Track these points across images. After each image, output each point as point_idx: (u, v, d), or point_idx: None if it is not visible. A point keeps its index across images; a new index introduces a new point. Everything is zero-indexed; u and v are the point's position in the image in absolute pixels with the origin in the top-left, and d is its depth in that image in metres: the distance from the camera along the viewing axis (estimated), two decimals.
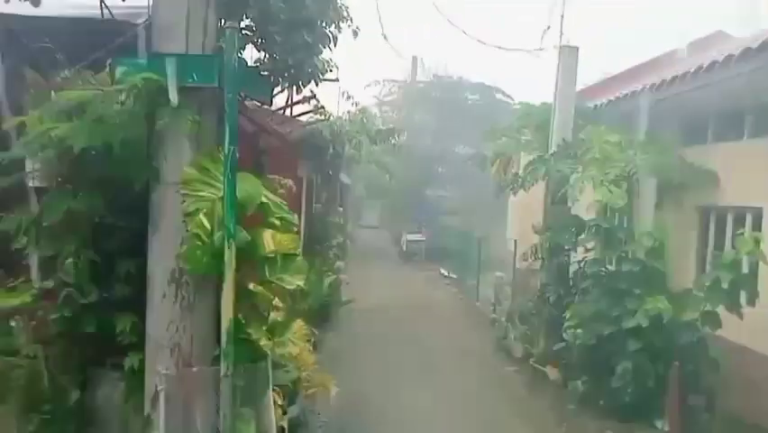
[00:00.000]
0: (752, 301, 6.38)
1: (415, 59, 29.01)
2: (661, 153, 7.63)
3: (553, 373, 8.34)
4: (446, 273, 18.55)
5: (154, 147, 3.77)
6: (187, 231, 3.66)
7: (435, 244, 22.10)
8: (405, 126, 25.28)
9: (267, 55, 5.13)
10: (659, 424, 6.27)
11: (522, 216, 13.09)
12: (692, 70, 7.03)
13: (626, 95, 8.72)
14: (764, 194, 6.76)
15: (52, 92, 3.86)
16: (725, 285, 6.19)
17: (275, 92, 5.83)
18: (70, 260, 3.69)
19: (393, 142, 15.17)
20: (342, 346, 9.42)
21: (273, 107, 7.30)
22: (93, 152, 3.67)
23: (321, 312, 9.64)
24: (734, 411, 6.51)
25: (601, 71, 14.81)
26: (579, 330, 7.24)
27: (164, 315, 3.71)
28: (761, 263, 6.26)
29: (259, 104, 6.10)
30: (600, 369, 7.01)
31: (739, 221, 7.25)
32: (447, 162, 25.82)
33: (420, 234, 23.46)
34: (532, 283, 9.65)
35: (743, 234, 6.30)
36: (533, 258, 9.32)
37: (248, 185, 4.00)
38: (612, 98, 9.19)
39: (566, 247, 8.65)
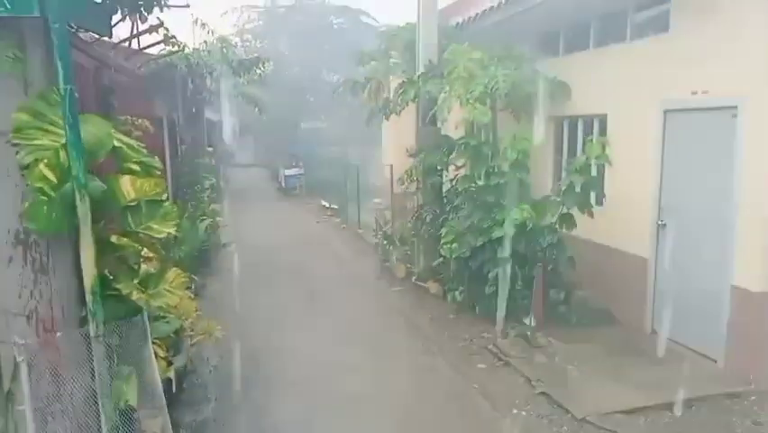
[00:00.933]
0: (600, 201, 7.12)
1: None
2: (518, 68, 8.01)
3: (433, 287, 8.86)
4: (327, 205, 18.61)
5: None
6: (27, 185, 3.24)
7: (314, 177, 21.95)
8: (270, 55, 24.15)
9: None
10: (527, 321, 6.95)
11: (396, 141, 13.30)
12: None
13: (485, 11, 8.91)
14: (608, 101, 7.41)
15: None
16: (577, 189, 6.83)
17: (114, 21, 5.19)
18: None
19: (259, 72, 14.43)
20: (225, 289, 9.21)
21: (116, 40, 6.56)
22: None
23: (199, 258, 9.30)
24: (588, 300, 7.40)
25: None
26: (454, 245, 7.67)
27: (13, 281, 3.32)
28: (607, 166, 6.96)
29: (96, 36, 5.43)
30: (475, 279, 7.56)
31: (588, 128, 7.91)
32: (318, 91, 25.24)
33: (297, 168, 23.09)
34: (409, 206, 9.98)
35: (591, 140, 6.92)
36: (408, 181, 9.58)
37: (95, 128, 3.60)
38: (472, 15, 9.36)
39: (439, 167, 8.96)
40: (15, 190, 3.28)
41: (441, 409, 5.46)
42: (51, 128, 3.33)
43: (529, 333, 6.73)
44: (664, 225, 6.62)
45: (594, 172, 7.18)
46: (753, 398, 5.35)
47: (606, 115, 7.51)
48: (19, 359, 3.19)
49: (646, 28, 6.87)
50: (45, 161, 3.26)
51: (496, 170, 7.62)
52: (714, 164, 5.94)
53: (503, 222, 7.03)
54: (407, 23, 9.99)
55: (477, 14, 9.19)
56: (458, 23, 9.84)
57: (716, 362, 5.90)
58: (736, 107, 5.60)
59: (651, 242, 6.78)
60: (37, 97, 3.35)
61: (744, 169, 5.55)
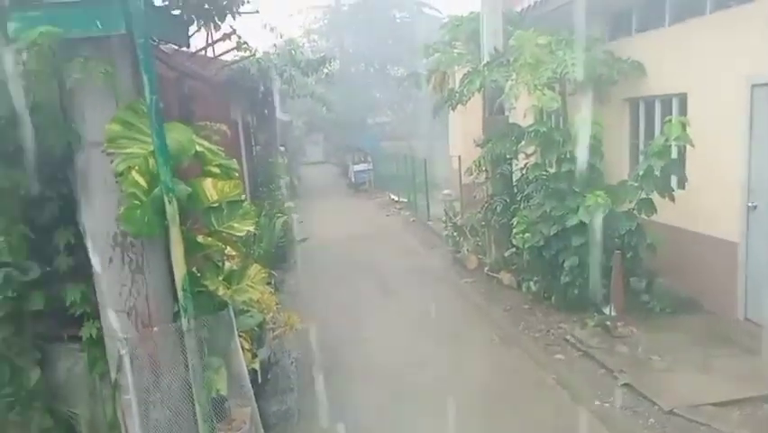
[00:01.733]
0: (682, 185, 6.77)
1: None
2: (588, 50, 7.73)
3: (506, 278, 8.75)
4: (396, 198, 18.75)
5: (69, 107, 3.53)
6: (122, 191, 3.51)
7: (383, 171, 22.16)
8: (336, 53, 24.58)
9: None
10: (606, 310, 6.73)
11: (463, 132, 13.20)
12: None
13: None
14: (688, 79, 7.01)
15: None
16: (657, 172, 6.53)
17: (191, 32, 5.48)
18: (1, 238, 3.49)
19: (326, 71, 14.73)
20: (302, 283, 9.54)
21: (193, 49, 6.91)
22: (3, 122, 3.40)
23: (277, 254, 9.66)
24: (671, 288, 7.06)
25: None
26: (526, 234, 7.54)
27: (114, 280, 3.61)
28: (688, 148, 6.60)
29: (176, 47, 5.75)
30: (550, 268, 7.40)
31: (666, 109, 7.53)
32: (384, 86, 25.45)
33: (366, 163, 23.38)
34: (479, 196, 9.88)
35: (670, 120, 6.58)
36: (477, 172, 9.49)
37: (179, 135, 3.83)
38: (537, 0, 9.12)
39: (507, 156, 8.83)
40: (112, 196, 3.56)
41: (519, 401, 5.42)
42: (140, 137, 3.58)
43: (609, 323, 6.53)
44: (755, 207, 6.20)
45: (674, 154, 6.85)
46: None
47: (685, 94, 7.12)
48: (122, 352, 3.47)
49: None
50: (136, 167, 3.51)
51: (568, 156, 7.41)
52: None
53: (577, 209, 6.84)
54: (471, 13, 9.87)
55: None
56: (522, 9, 9.61)
57: None
58: None
59: (740, 225, 6.37)
60: (126, 108, 3.61)
61: None
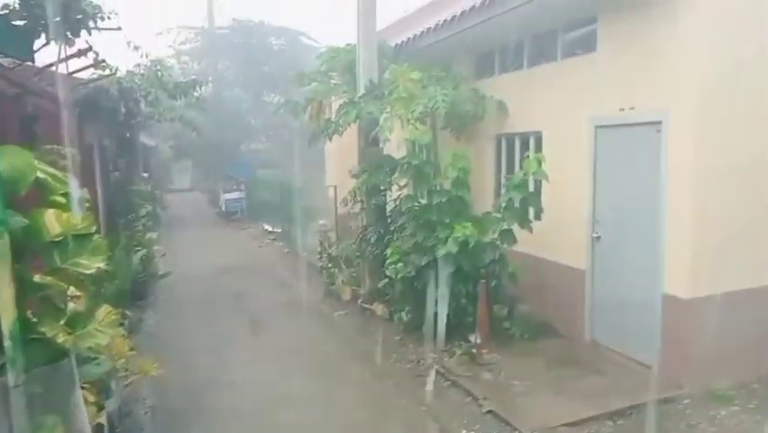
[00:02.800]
0: (538, 216, 7.31)
1: (210, 1, 26.99)
2: (456, 87, 8.18)
3: (379, 309, 8.81)
4: (270, 228, 18.29)
5: None
6: None
7: (256, 201, 21.56)
8: (209, 77, 23.74)
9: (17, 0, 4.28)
10: (472, 338, 7.00)
11: (339, 162, 13.30)
12: (477, 5, 7.51)
13: (423, 32, 9.09)
14: (542, 118, 7.67)
15: None
16: (516, 204, 7.00)
17: (38, 45, 4.94)
18: None
19: (196, 94, 14.11)
20: (162, 323, 8.84)
21: (41, 64, 6.24)
22: None
23: (134, 291, 8.87)
24: (530, 314, 7.56)
25: (402, 9, 15.19)
26: (399, 265, 7.67)
27: None
28: (544, 182, 7.17)
29: (18, 61, 5.14)
30: (420, 298, 7.56)
31: (525, 145, 8.14)
32: (259, 113, 24.98)
33: (239, 191, 22.60)
34: (354, 227, 9.92)
35: (528, 156, 7.12)
36: (352, 202, 9.54)
37: (15, 159, 3.38)
38: (410, 36, 9.52)
39: (382, 187, 8.98)
40: None
41: None
42: None
43: (475, 350, 6.79)
44: (599, 237, 6.87)
45: (532, 188, 7.39)
46: (686, 401, 5.58)
47: (541, 132, 7.76)
48: None
49: (576, 48, 7.18)
50: None
51: (438, 188, 7.71)
52: (642, 177, 6.23)
53: (446, 240, 7.10)
54: (347, 45, 10.05)
55: (415, 36, 9.36)
56: (397, 45, 9.98)
57: (650, 368, 6.12)
58: (660, 122, 5.91)
59: (587, 254, 7.01)
60: None
61: (669, 180, 5.84)
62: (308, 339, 8.20)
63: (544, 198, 7.43)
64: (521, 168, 7.27)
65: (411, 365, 6.92)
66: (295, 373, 6.84)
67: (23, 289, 3.26)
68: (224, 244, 17.08)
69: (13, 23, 4.32)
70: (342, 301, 9.73)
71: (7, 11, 4.36)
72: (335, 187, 13.03)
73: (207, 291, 10.81)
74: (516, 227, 7.22)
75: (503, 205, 7.14)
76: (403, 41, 9.83)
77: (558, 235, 7.34)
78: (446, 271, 7.11)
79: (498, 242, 7.26)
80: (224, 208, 22.58)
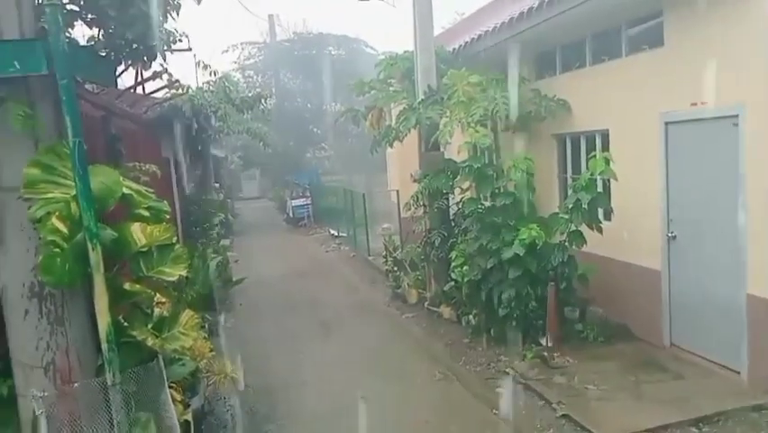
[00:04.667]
0: (608, 216, 7.10)
1: (271, 17, 27.96)
2: (517, 89, 8.08)
3: (447, 312, 8.81)
4: (336, 233, 18.65)
5: None
6: (40, 239, 3.30)
7: (322, 206, 22.06)
8: (272, 89, 24.57)
9: (101, 31, 4.63)
10: (543, 341, 6.88)
11: (400, 167, 13.37)
12: (536, 6, 7.41)
13: (480, 35, 9.05)
14: (609, 116, 7.44)
15: None
16: (584, 205, 6.82)
17: (119, 71, 5.33)
18: None
19: (261, 107, 14.65)
20: (239, 325, 9.23)
21: (122, 87, 6.71)
22: None
23: (212, 296, 9.30)
24: (603, 317, 7.33)
25: (457, 13, 15.16)
26: (465, 268, 7.66)
27: (30, 334, 3.37)
28: (613, 181, 6.96)
29: (103, 86, 5.56)
30: (488, 301, 7.51)
31: (591, 144, 7.93)
32: (321, 121, 25.57)
33: (305, 198, 23.22)
34: (417, 230, 9.97)
35: (594, 156, 6.93)
36: (415, 206, 9.60)
37: (104, 177, 3.68)
38: (468, 40, 9.49)
39: (444, 191, 9.00)
40: (29, 244, 3.34)
41: None
42: (62, 180, 3.41)
43: (546, 354, 6.67)
44: (674, 236, 6.58)
45: (600, 188, 7.19)
46: None
47: (607, 131, 7.54)
48: (38, 412, 3.20)
49: (641, 43, 6.93)
50: (57, 213, 3.32)
51: (501, 190, 7.65)
52: (719, 172, 5.92)
53: (512, 242, 7.02)
54: (405, 51, 10.14)
55: (472, 39, 9.33)
56: (455, 49, 9.98)
57: (739, 373, 5.79)
58: (736, 116, 5.61)
59: (662, 254, 6.73)
60: (46, 151, 3.44)
61: (748, 174, 5.53)
62: (378, 341, 8.31)
63: (614, 198, 7.20)
64: (587, 167, 7.08)
65: (481, 368, 6.88)
66: (366, 374, 6.96)
67: (115, 296, 3.54)
68: (292, 249, 17.56)
69: (98, 52, 4.67)
70: (408, 304, 9.80)
71: (93, 42, 4.72)
72: (398, 191, 13.14)
73: (279, 295, 11.17)
74: (584, 228, 7.04)
75: (570, 206, 6.97)
76: (460, 45, 9.81)
77: (630, 236, 7.08)
78: (513, 274, 7.03)
79: (567, 243, 7.11)
80: (291, 215, 23.23)
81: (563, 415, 5.46)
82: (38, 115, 3.39)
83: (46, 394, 3.32)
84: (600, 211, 7.08)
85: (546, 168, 8.58)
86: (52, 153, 3.45)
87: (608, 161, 6.68)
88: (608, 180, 7.08)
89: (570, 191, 7.42)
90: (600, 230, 6.98)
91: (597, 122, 7.71)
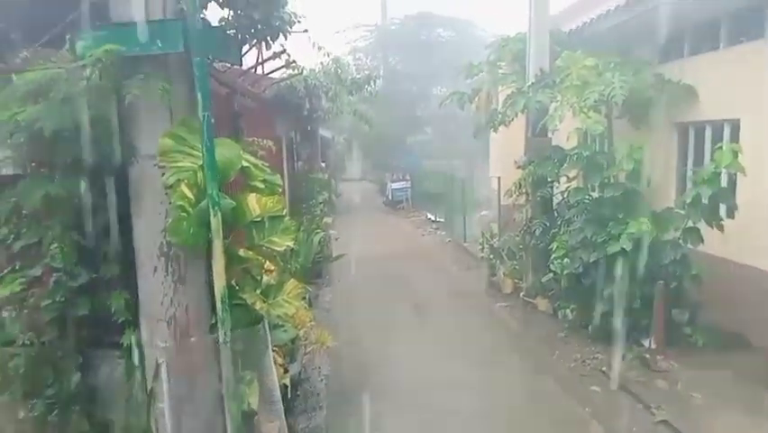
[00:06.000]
0: (731, 214, 6.54)
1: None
2: (637, 73, 7.60)
3: (542, 304, 8.59)
4: (433, 218, 18.69)
5: (126, 121, 3.68)
6: (171, 203, 3.63)
7: (421, 190, 22.15)
8: (380, 71, 24.85)
9: (231, 12, 4.94)
10: (646, 342, 6.53)
11: (503, 153, 13.09)
12: None
13: (600, 15, 8.57)
14: (742, 104, 6.80)
15: (13, 75, 3.71)
16: (705, 200, 6.33)
17: (244, 51, 5.66)
18: (55, 245, 3.66)
19: (369, 89, 14.91)
20: (336, 300, 9.59)
21: (244, 67, 7.11)
22: (65, 134, 3.58)
23: (313, 269, 9.75)
24: (716, 322, 6.79)
25: None
26: (565, 260, 7.41)
27: (156, 289, 3.73)
28: (739, 175, 6.38)
29: (229, 65, 5.93)
30: (588, 296, 7.22)
31: (717, 134, 7.32)
32: (426, 105, 25.52)
33: (404, 181, 23.45)
34: (517, 219, 9.77)
35: (721, 147, 6.38)
36: (517, 194, 9.39)
37: (227, 150, 3.95)
38: (586, 20, 9.03)
39: (549, 179, 8.71)
40: (161, 208, 3.69)
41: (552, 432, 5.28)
42: (191, 151, 3.72)
43: (648, 355, 6.32)
44: None
45: (724, 182, 6.63)
46: None
47: (738, 120, 6.90)
48: (160, 361, 3.56)
49: None
50: (186, 181, 3.64)
51: (611, 181, 7.28)
52: None
53: (619, 236, 6.68)
54: (518, 33, 9.86)
55: (591, 20, 8.86)
56: (571, 30, 9.54)
57: None
58: None
59: None
60: (180, 124, 3.75)
61: None
62: (470, 328, 8.30)
63: (739, 194, 6.61)
64: (712, 159, 6.54)
65: (575, 364, 6.67)
66: (456, 359, 6.99)
67: (230, 261, 3.82)
68: (389, 230, 17.86)
69: (227, 32, 4.99)
70: (503, 293, 9.67)
71: (224, 23, 5.06)
72: (499, 178, 12.86)
73: (375, 274, 11.45)
74: (703, 226, 6.54)
75: (688, 200, 6.49)
76: (577, 27, 9.34)
77: (755, 237, 6.48)
78: (618, 270, 6.69)
79: (681, 240, 6.64)
80: (390, 197, 23.56)
81: (662, 421, 5.18)
82: (174, 91, 3.71)
83: (167, 345, 3.67)
84: (723, 208, 6.54)
85: (664, 159, 8.03)
86: (185, 126, 3.76)
87: (736, 154, 6.14)
88: (735, 175, 6.51)
89: (689, 185, 6.91)
90: (721, 228, 6.46)
91: (727, 110, 7.08)
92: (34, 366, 3.68)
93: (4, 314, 3.79)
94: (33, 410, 3.69)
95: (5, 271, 3.76)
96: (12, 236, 3.70)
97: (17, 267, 3.76)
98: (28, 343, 3.67)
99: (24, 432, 3.76)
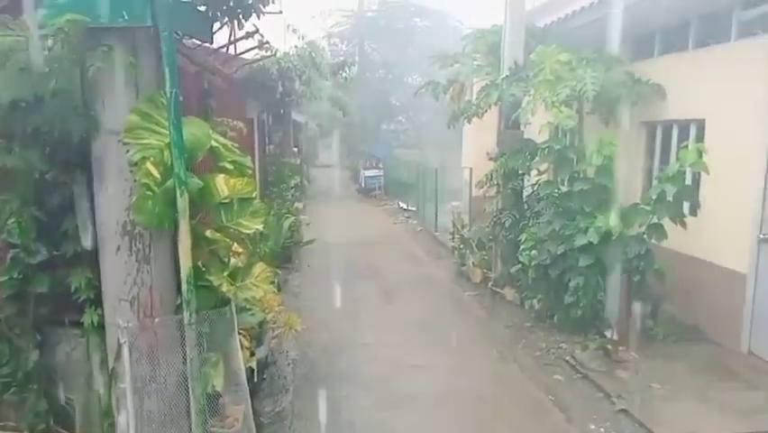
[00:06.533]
0: (694, 211, 6.72)
1: None
2: (609, 70, 7.71)
3: (510, 294, 8.71)
4: (405, 206, 18.73)
5: (90, 95, 3.56)
6: (135, 181, 3.54)
7: (393, 178, 22.16)
8: (355, 58, 24.68)
9: None
10: (608, 333, 6.68)
11: (476, 145, 13.18)
12: None
13: (575, 11, 8.65)
14: (708, 105, 6.97)
15: None
16: (669, 197, 6.48)
17: (215, 29, 5.53)
18: (12, 220, 3.53)
19: (344, 75, 14.79)
20: (305, 285, 9.55)
21: (215, 45, 6.95)
22: (23, 104, 3.44)
23: (283, 254, 9.67)
24: (676, 316, 7.01)
25: None
26: (533, 252, 7.51)
27: (119, 268, 3.63)
28: (703, 174, 6.55)
29: (199, 42, 5.79)
30: (554, 287, 7.36)
31: (683, 133, 7.48)
32: (401, 93, 25.49)
33: (377, 169, 23.41)
34: (488, 210, 9.85)
35: (687, 146, 6.53)
36: (488, 185, 9.47)
37: (195, 129, 3.86)
38: (561, 16, 9.11)
39: (520, 172, 8.80)
40: (125, 185, 3.59)
41: (513, 419, 5.37)
42: (158, 128, 3.61)
43: (610, 346, 6.48)
44: (766, 239, 6.15)
45: (689, 181, 6.80)
46: None
47: (704, 120, 7.08)
48: (122, 341, 3.48)
49: (755, 27, 6.40)
50: (151, 159, 3.54)
51: (581, 175, 7.39)
52: None
53: (587, 229, 6.80)
54: (494, 25, 9.88)
55: (567, 15, 8.94)
56: (546, 25, 9.61)
57: None
58: None
59: (750, 257, 6.32)
60: (147, 100, 3.65)
61: None
62: (438, 315, 8.37)
63: (703, 193, 6.79)
64: (677, 158, 6.69)
65: (540, 353, 6.79)
66: (423, 345, 7.05)
67: (196, 242, 3.74)
68: (361, 218, 17.85)
69: (198, 8, 4.86)
70: (471, 283, 9.78)
71: None
72: (471, 169, 12.98)
73: (345, 260, 11.43)
74: (667, 222, 6.70)
75: (654, 197, 6.63)
76: (552, 22, 9.42)
77: (715, 234, 6.69)
78: (584, 262, 6.83)
79: (646, 236, 6.80)
80: (363, 185, 23.52)
81: (622, 410, 5.32)
82: (140, 65, 3.60)
83: (130, 325, 3.59)
84: (686, 205, 6.71)
85: (631, 156, 8.17)
86: (151, 102, 3.65)
87: (700, 153, 6.29)
88: (699, 174, 6.68)
89: (655, 182, 7.07)
90: (684, 225, 6.62)
91: (693, 110, 7.25)
92: None
93: None
94: None
95: None
96: None
97: None
98: None
99: None
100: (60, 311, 3.77)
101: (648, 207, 6.70)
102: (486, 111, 9.08)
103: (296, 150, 19.01)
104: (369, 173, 23.39)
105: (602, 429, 5.09)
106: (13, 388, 3.63)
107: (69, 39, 3.26)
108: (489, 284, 9.37)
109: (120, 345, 3.56)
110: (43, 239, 3.66)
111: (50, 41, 3.28)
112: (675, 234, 6.74)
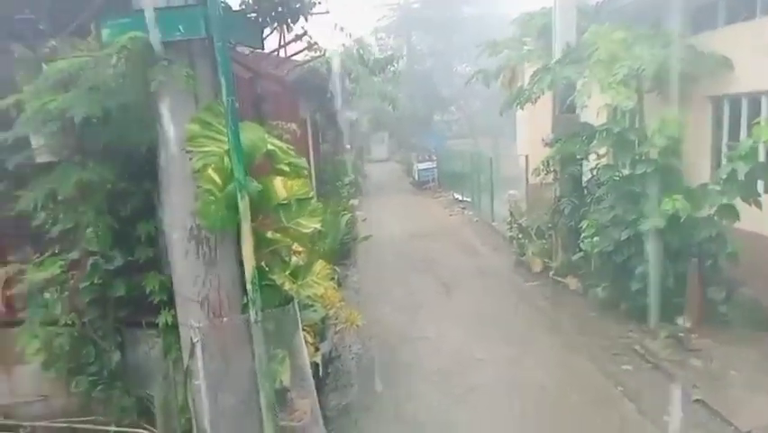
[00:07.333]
0: None
1: None
2: (667, 45, 7.36)
3: (573, 283, 8.51)
4: (460, 197, 18.58)
5: (154, 108, 3.74)
6: (199, 187, 3.69)
7: (447, 170, 22.01)
8: (403, 51, 24.64)
9: None
10: (680, 321, 6.42)
11: (531, 131, 12.90)
12: None
13: None
14: None
15: (42, 64, 3.79)
16: (741, 176, 6.14)
17: (265, 34, 5.67)
18: (90, 229, 3.76)
19: (392, 69, 14.77)
20: (364, 280, 9.66)
21: (266, 50, 7.13)
22: (94, 121, 3.66)
23: (341, 250, 9.82)
24: (754, 300, 6.63)
25: None
26: (596, 238, 7.31)
27: (189, 271, 3.81)
28: None
29: (251, 49, 5.95)
30: (619, 274, 7.13)
31: (754, 108, 7.06)
32: (450, 83, 25.27)
33: (430, 161, 23.31)
34: (546, 197, 9.64)
35: (759, 121, 6.16)
36: (545, 172, 9.26)
37: (252, 134, 3.99)
38: None
39: (578, 157, 8.55)
40: (189, 192, 3.75)
41: (582, 411, 5.25)
42: (217, 136, 3.76)
43: (682, 334, 6.22)
44: None
45: (762, 158, 6.42)
46: None
47: None
48: (195, 339, 3.65)
49: None
50: (213, 165, 3.69)
51: (643, 157, 7.11)
52: None
53: (652, 213, 6.54)
54: (543, 8, 9.64)
55: None
56: (598, 3, 9.28)
57: None
58: None
59: None
60: (205, 109, 3.80)
61: None
62: (500, 307, 8.28)
63: None
64: (749, 134, 6.32)
65: (608, 343, 6.60)
66: (486, 337, 7.00)
67: (259, 243, 3.87)
68: (416, 211, 17.84)
69: (248, 16, 5.00)
70: (532, 272, 9.60)
71: (243, 6, 5.06)
72: (527, 156, 12.71)
73: (403, 254, 11.49)
74: (738, 202, 6.35)
75: (724, 176, 6.30)
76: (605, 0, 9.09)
77: None
78: (651, 247, 6.57)
79: (716, 217, 6.47)
80: (416, 178, 23.49)
81: (697, 400, 5.11)
82: (197, 76, 3.74)
83: (201, 325, 3.76)
84: (761, 184, 6.33)
85: (697, 134, 7.80)
86: (210, 111, 3.80)
87: None
88: None
89: (724, 161, 6.71)
90: (759, 205, 6.26)
91: (765, 82, 6.81)
92: (77, 345, 3.83)
93: (47, 295, 3.92)
94: (78, 386, 3.84)
95: (46, 254, 3.89)
96: (50, 221, 3.82)
97: (56, 251, 3.88)
98: (70, 323, 3.82)
99: (72, 406, 3.93)
100: (138, 313, 3.99)
101: (718, 187, 6.37)
102: (539, 96, 8.86)
103: (348, 147, 19.19)
104: (422, 166, 23.33)
105: (677, 421, 4.90)
106: (100, 385, 3.88)
107: (132, 56, 3.44)
108: (551, 273, 9.18)
109: (193, 345, 3.74)
110: (118, 246, 3.88)
111: (113, 59, 3.46)
112: (750, 214, 6.38)
